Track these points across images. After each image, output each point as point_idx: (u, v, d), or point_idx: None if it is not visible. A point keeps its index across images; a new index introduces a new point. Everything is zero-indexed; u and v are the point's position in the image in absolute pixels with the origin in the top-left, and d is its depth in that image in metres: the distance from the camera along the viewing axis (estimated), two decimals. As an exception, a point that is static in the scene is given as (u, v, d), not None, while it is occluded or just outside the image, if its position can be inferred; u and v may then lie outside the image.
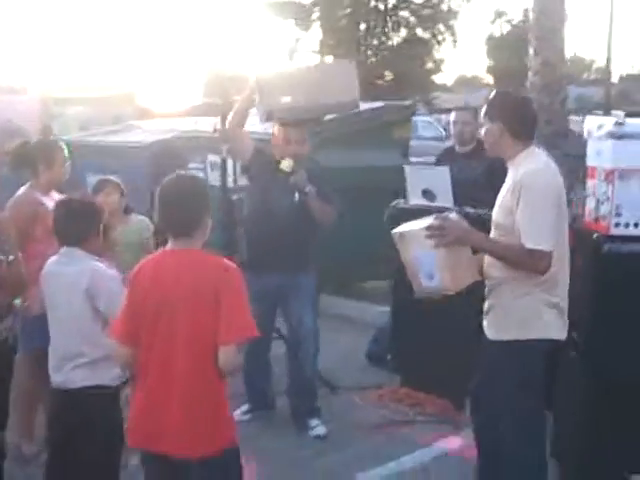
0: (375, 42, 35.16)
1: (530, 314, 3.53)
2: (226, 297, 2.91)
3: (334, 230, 5.01)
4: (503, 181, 6.02)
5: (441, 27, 36.72)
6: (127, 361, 3.11)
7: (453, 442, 4.91)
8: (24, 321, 4.07)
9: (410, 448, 4.80)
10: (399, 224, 5.68)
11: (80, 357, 3.54)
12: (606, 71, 24.44)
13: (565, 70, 11.60)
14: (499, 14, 64.18)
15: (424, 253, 3.55)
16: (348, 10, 34.36)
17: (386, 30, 35.74)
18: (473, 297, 5.28)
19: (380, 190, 6.57)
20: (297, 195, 4.74)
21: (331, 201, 4.83)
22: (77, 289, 3.53)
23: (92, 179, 5.82)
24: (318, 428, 4.94)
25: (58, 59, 29.07)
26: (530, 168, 3.53)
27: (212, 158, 8.26)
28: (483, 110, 3.69)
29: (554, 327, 3.57)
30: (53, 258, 3.70)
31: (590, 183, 4.27)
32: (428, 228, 3.50)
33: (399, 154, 8.17)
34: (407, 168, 5.64)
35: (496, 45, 60.38)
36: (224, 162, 6.02)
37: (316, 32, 35.53)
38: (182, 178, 3.10)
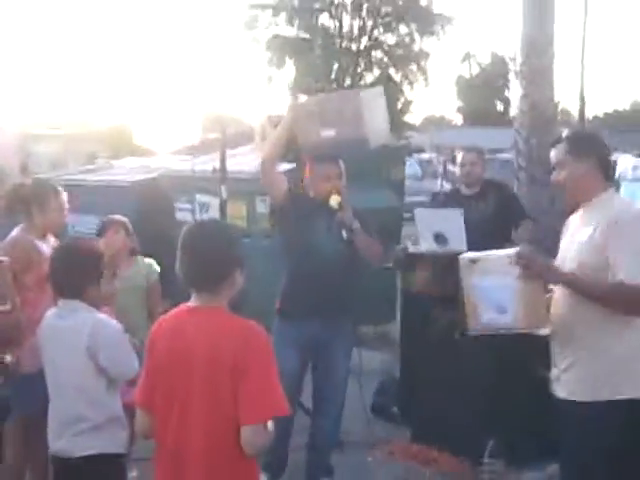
0: (348, 82, 35.12)
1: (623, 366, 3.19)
2: (249, 369, 2.53)
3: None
4: (519, 214, 5.97)
5: (413, 67, 36.93)
6: (148, 430, 2.76)
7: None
8: (13, 381, 3.69)
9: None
10: (406, 268, 5.44)
11: (82, 422, 3.22)
12: (581, 112, 24.42)
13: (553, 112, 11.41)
14: (468, 56, 65.20)
15: (498, 284, 3.27)
16: (320, 50, 34.38)
17: (359, 70, 35.83)
18: (490, 345, 5.12)
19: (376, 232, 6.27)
20: (345, 233, 4.37)
21: (375, 237, 4.52)
22: (78, 346, 3.22)
23: (71, 219, 5.47)
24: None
25: (34, 94, 28.83)
26: (625, 206, 3.34)
27: (202, 199, 7.98)
28: (562, 149, 3.34)
29: None
30: (51, 311, 3.37)
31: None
32: (516, 256, 3.22)
33: (395, 195, 7.93)
34: (418, 211, 5.37)
35: (466, 86, 61.23)
36: (224, 204, 5.69)
37: (289, 70, 35.57)
38: (209, 224, 2.86)
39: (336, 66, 35.06)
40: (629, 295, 3.09)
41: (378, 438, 5.39)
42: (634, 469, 3.25)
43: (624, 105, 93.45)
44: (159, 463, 2.72)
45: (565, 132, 3.51)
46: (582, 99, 23.10)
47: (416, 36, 36.47)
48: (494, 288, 3.27)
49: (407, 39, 36.65)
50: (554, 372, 3.39)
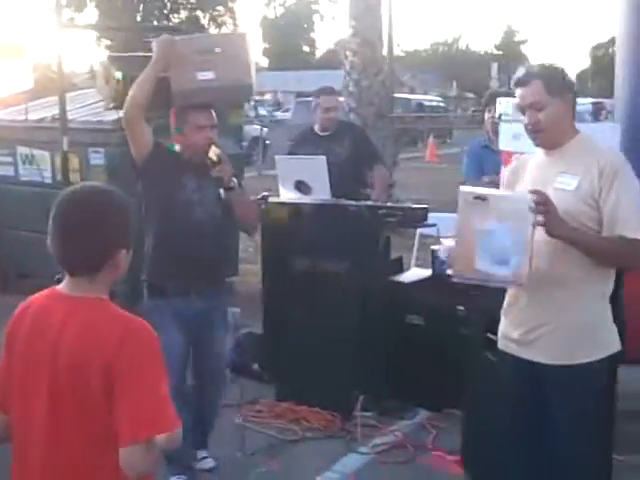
0: (155, 24, 33.93)
1: (608, 328, 3.08)
2: (124, 378, 2.02)
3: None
4: (373, 157, 5.84)
5: (221, 9, 36.23)
6: (3, 434, 2.23)
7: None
8: None
9: (310, 472, 4.31)
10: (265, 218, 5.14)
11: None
12: (390, 51, 24.71)
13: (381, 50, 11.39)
14: (273, -3, 64.80)
15: (504, 227, 2.84)
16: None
17: (165, 12, 34.72)
18: (353, 294, 5.01)
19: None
20: (222, 191, 3.90)
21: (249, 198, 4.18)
22: None
23: None
24: (206, 461, 4.30)
25: None
26: (614, 152, 3.12)
27: (23, 150, 7.33)
28: (538, 87, 3.01)
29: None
30: None
31: (505, 170, 3.93)
32: (536, 197, 2.82)
33: (234, 142, 7.59)
34: (278, 159, 5.12)
35: (271, 27, 60.88)
36: (66, 156, 5.14)
37: (91, 14, 33.91)
38: (88, 191, 2.21)
39: (141, 7, 33.77)
40: (624, 249, 2.95)
41: (244, 398, 5.15)
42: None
43: (424, 45, 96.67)
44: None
45: (528, 68, 3.26)
46: (390, 38, 23.41)
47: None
48: (499, 234, 2.86)
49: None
50: (515, 333, 3.15)
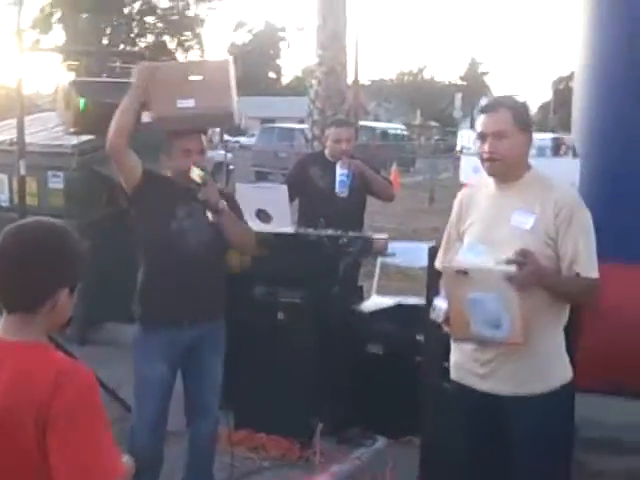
0: (121, 47, 33.92)
1: (564, 357, 3.14)
2: (57, 430, 1.89)
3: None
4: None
5: (189, 34, 36.32)
6: None
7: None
8: None
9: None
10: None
11: None
12: (355, 79, 25.02)
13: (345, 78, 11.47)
14: (241, 24, 65.22)
15: (490, 296, 2.89)
16: (87, 14, 32.86)
17: (132, 36, 34.71)
18: (312, 323, 5.01)
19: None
20: (210, 214, 3.77)
21: (247, 223, 4.01)
22: None
23: None
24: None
25: None
26: (569, 192, 3.15)
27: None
28: (506, 117, 3.02)
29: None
30: None
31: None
32: (517, 265, 2.85)
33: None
34: (239, 186, 5.12)
35: (239, 53, 61.21)
36: (23, 180, 5.11)
37: (58, 35, 33.80)
38: (31, 226, 2.10)
39: (108, 30, 33.74)
40: (592, 290, 3.04)
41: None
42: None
43: (390, 75, 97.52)
44: None
45: (497, 97, 3.30)
46: (356, 66, 23.75)
47: (190, 1, 35.84)
48: (485, 300, 2.91)
49: (181, 5, 35.92)
50: (472, 364, 3.16)
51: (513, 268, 2.85)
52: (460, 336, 3.08)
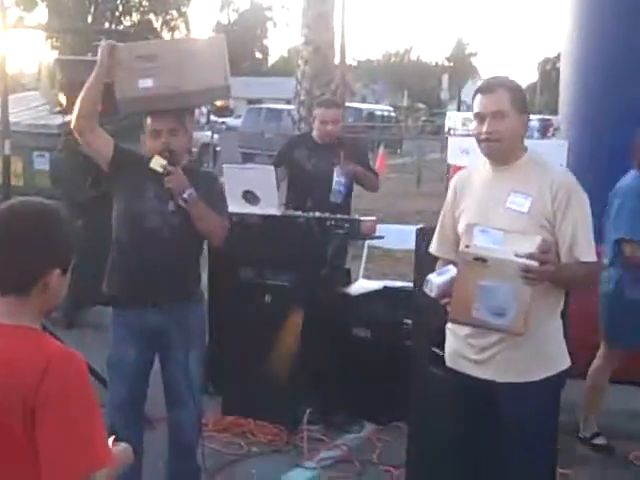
0: (106, 26, 33.62)
1: (562, 344, 3.12)
2: (46, 414, 1.87)
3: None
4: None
5: (174, 13, 36.03)
6: None
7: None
8: None
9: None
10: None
11: None
12: (342, 60, 24.76)
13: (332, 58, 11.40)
14: (227, 3, 64.74)
15: (503, 286, 2.86)
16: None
17: (117, 14, 34.40)
18: (299, 306, 4.97)
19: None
20: (171, 203, 3.63)
21: (221, 210, 3.83)
22: None
23: None
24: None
25: None
26: (565, 173, 3.10)
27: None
28: (504, 97, 2.99)
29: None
30: None
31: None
32: (531, 259, 2.82)
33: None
34: (226, 168, 5.05)
35: (224, 33, 60.79)
36: (7, 160, 5.01)
37: (42, 13, 33.44)
38: (22, 206, 2.07)
39: (92, 9, 33.40)
40: (587, 272, 3.04)
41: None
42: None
43: (376, 55, 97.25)
44: None
45: (495, 78, 3.19)
46: (343, 46, 23.50)
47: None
48: (494, 288, 2.88)
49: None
50: (467, 351, 3.12)
51: (535, 263, 2.82)
52: (459, 318, 3.04)
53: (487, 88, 3.06)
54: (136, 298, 3.70)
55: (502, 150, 3.03)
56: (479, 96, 3.05)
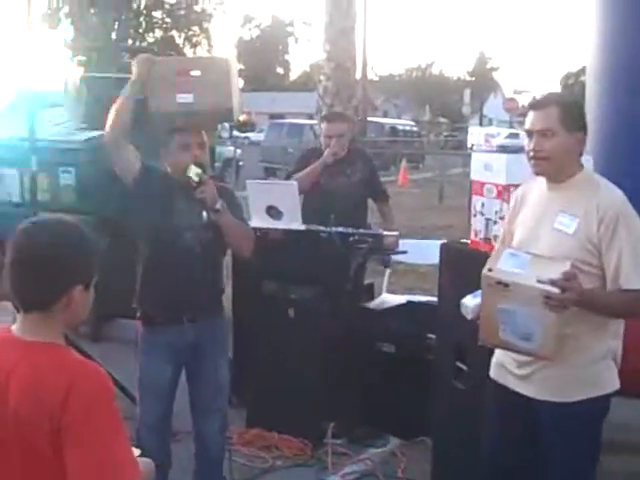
0: (130, 43, 33.91)
1: (610, 368, 3.01)
2: (72, 431, 1.88)
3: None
4: (380, 189, 5.85)
5: (196, 29, 36.29)
6: None
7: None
8: None
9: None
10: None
11: None
12: (363, 75, 24.92)
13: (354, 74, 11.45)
14: (248, 19, 65.12)
15: (522, 310, 2.83)
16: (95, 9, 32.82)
17: (140, 31, 34.70)
18: (323, 321, 4.98)
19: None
20: (205, 214, 3.65)
21: (246, 222, 3.89)
22: None
23: None
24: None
25: None
26: (614, 191, 2.96)
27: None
28: (554, 115, 2.93)
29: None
30: None
31: (476, 200, 3.92)
32: (553, 286, 2.74)
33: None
34: (250, 183, 5.07)
35: (246, 49, 61.15)
36: (34, 176, 5.06)
37: (67, 31, 33.74)
38: (46, 223, 2.11)
39: (116, 26, 33.72)
40: (633, 301, 2.88)
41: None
42: None
43: (398, 69, 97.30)
44: None
45: (549, 94, 3.14)
46: (364, 62, 23.64)
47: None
48: (522, 315, 2.84)
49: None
50: (510, 364, 3.08)
51: (556, 290, 2.75)
52: (488, 341, 3.02)
53: (537, 104, 3.01)
54: (173, 316, 3.71)
55: (549, 168, 2.97)
56: (530, 112, 3.01)
